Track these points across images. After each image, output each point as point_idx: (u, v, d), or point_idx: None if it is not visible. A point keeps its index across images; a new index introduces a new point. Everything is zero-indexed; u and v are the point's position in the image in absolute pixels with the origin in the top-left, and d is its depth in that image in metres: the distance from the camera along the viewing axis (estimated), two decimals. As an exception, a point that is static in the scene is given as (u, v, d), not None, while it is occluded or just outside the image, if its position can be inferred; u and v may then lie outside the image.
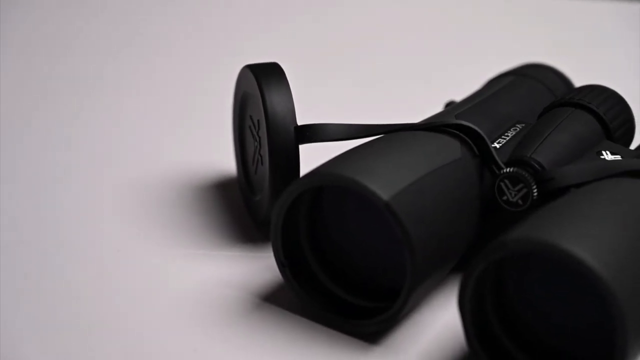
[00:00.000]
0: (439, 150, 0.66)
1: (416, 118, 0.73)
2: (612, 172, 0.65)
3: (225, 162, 0.84)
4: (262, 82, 0.70)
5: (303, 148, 0.69)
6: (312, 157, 0.67)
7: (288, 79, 0.70)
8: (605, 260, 0.54)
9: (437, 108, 0.80)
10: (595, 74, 0.86)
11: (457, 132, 0.68)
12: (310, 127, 0.69)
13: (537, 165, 0.67)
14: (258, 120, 0.71)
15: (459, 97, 0.82)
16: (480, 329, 0.60)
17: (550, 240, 0.55)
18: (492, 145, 0.70)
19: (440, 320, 0.66)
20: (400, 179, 0.61)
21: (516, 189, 0.66)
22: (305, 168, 0.65)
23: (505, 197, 0.67)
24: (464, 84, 0.89)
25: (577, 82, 0.83)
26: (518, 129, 0.73)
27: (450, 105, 0.80)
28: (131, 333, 0.65)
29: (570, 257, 0.54)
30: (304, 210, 0.65)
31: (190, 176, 0.84)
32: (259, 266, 0.71)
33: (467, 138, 0.68)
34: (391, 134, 0.68)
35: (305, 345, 0.64)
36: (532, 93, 0.81)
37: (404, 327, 0.65)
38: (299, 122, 0.69)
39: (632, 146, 0.78)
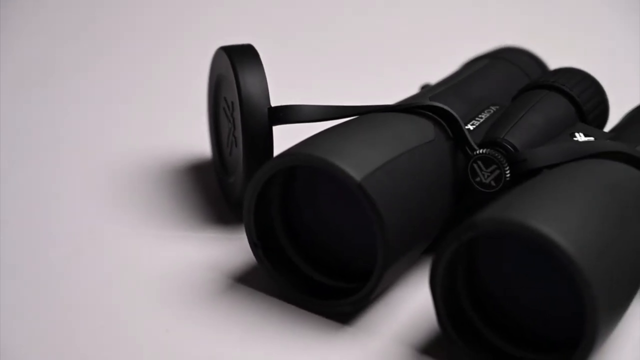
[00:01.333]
0: (413, 131, 0.66)
1: (391, 100, 0.74)
2: (585, 153, 0.65)
3: (200, 144, 0.84)
4: (235, 63, 0.70)
5: (277, 129, 0.69)
6: (287, 138, 0.67)
7: (262, 60, 0.70)
8: (575, 239, 0.54)
9: (413, 90, 0.80)
10: (570, 58, 0.86)
11: (431, 114, 0.68)
12: (284, 109, 0.69)
13: (509, 147, 0.67)
14: (232, 102, 0.71)
15: (434, 80, 0.82)
16: (452, 308, 0.60)
17: (519, 219, 0.55)
18: (466, 127, 0.70)
19: (413, 300, 0.66)
20: (372, 160, 0.61)
21: (489, 170, 0.66)
22: (279, 149, 0.65)
23: (478, 179, 0.67)
24: (440, 67, 0.89)
25: (552, 66, 0.83)
26: (492, 111, 0.73)
27: (425, 87, 0.80)
28: (104, 314, 0.64)
29: (540, 237, 0.54)
30: (277, 191, 0.65)
31: (165, 158, 0.84)
32: (233, 247, 0.71)
33: (440, 120, 0.68)
34: (365, 115, 0.68)
35: (278, 326, 0.64)
36: (506, 76, 0.81)
37: (377, 308, 0.66)
38: (273, 104, 0.69)
39: (606, 128, 0.78)
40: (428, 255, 0.66)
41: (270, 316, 0.64)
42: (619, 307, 0.58)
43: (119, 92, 0.99)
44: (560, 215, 0.56)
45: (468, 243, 0.59)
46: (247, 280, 0.68)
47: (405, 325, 0.64)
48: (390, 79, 1.02)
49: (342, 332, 0.63)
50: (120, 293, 0.67)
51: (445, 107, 0.68)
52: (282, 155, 0.62)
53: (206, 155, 0.83)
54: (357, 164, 0.60)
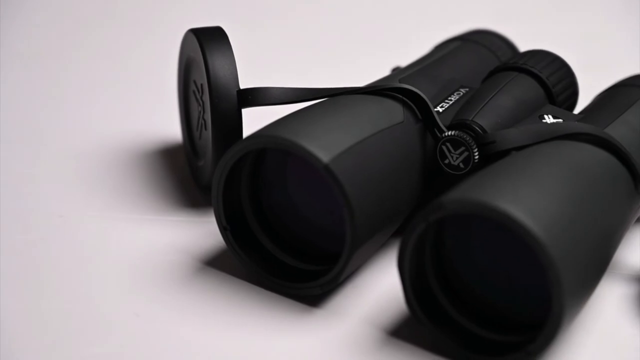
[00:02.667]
0: (381, 113, 0.66)
1: (362, 83, 0.73)
2: (553, 135, 0.66)
3: (171, 127, 0.84)
4: (204, 45, 0.70)
5: (246, 112, 0.69)
6: (256, 121, 0.67)
7: (232, 43, 0.70)
8: (541, 220, 0.54)
9: (384, 73, 0.80)
10: (543, 41, 0.86)
11: (400, 96, 0.68)
12: (253, 91, 0.69)
13: (478, 129, 0.67)
14: (202, 85, 0.71)
15: (405, 63, 0.82)
16: (420, 290, 0.60)
17: (486, 200, 0.55)
18: (435, 109, 0.70)
19: (382, 282, 0.66)
20: (341, 142, 0.61)
21: (458, 152, 0.66)
22: (248, 132, 0.65)
23: (447, 161, 0.67)
24: (411, 50, 0.89)
25: (524, 49, 0.83)
26: (462, 93, 0.73)
27: (396, 70, 0.80)
28: (73, 297, 0.64)
29: (506, 217, 0.54)
30: (245, 174, 0.65)
31: (135, 142, 0.84)
32: (203, 231, 0.71)
33: (409, 102, 0.68)
34: (334, 97, 0.68)
35: (248, 309, 0.64)
36: (477, 58, 0.81)
37: (346, 290, 0.66)
38: (243, 86, 0.69)
39: (576, 111, 0.78)
40: (398, 237, 0.66)
41: (239, 299, 0.64)
42: (586, 288, 0.58)
43: (89, 76, 0.99)
44: (526, 196, 0.56)
45: (435, 224, 0.59)
46: (216, 264, 0.67)
47: (374, 308, 0.64)
48: (361, 62, 1.02)
49: (311, 315, 0.63)
50: (89, 277, 0.66)
51: (414, 89, 0.67)
52: (250, 137, 0.62)
53: (177, 139, 0.83)
54: (324, 145, 0.60)
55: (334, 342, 0.61)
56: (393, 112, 0.67)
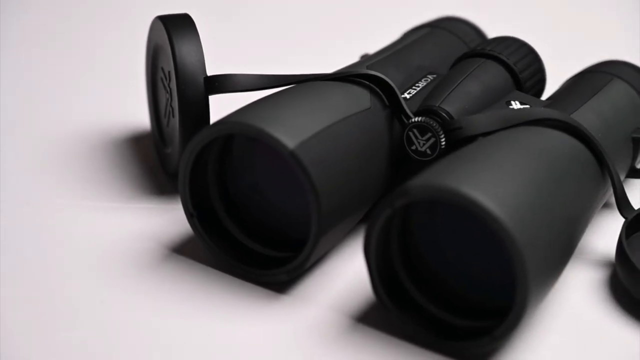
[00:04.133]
0: (348, 100, 0.66)
1: (331, 70, 0.73)
2: (520, 120, 0.66)
3: (139, 115, 0.83)
4: (171, 32, 0.69)
5: (213, 99, 0.69)
6: (223, 108, 0.67)
7: (199, 30, 0.70)
8: (506, 205, 0.54)
9: (353, 60, 0.79)
10: (514, 28, 0.86)
11: (367, 83, 0.68)
12: (219, 78, 0.69)
13: (445, 115, 0.67)
14: (169, 72, 0.71)
15: (375, 50, 0.82)
16: (386, 276, 0.60)
17: (451, 186, 0.55)
18: (403, 96, 0.70)
19: (350, 269, 0.66)
20: (306, 128, 0.61)
21: (424, 138, 0.67)
22: (215, 119, 0.65)
23: (414, 147, 0.67)
24: (381, 37, 0.89)
25: (493, 36, 0.83)
26: (429, 80, 0.73)
27: (364, 57, 0.80)
28: (39, 285, 0.64)
29: (471, 202, 0.54)
30: (212, 161, 0.65)
31: (104, 130, 0.84)
32: (170, 218, 0.71)
33: (377, 88, 0.68)
34: (301, 84, 0.68)
35: (215, 296, 0.64)
36: (445, 45, 0.81)
37: (314, 276, 0.66)
38: (210, 73, 0.69)
39: (544, 97, 0.78)
40: (365, 223, 0.66)
41: (206, 286, 0.64)
42: (551, 273, 0.58)
43: (57, 64, 0.98)
44: (492, 182, 0.56)
45: (401, 210, 0.59)
46: (184, 251, 0.67)
47: (341, 294, 0.64)
48: (331, 49, 1.02)
49: (278, 301, 0.63)
50: (56, 264, 0.66)
51: (381, 75, 0.67)
52: (216, 123, 0.62)
53: (145, 127, 0.83)
54: (290, 132, 0.60)
55: (301, 328, 0.61)
56: (360, 98, 0.67)
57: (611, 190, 0.68)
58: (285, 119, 0.61)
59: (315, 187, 0.59)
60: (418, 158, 0.67)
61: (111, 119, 0.85)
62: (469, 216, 0.55)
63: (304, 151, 0.59)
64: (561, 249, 0.60)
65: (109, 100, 0.90)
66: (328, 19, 1.14)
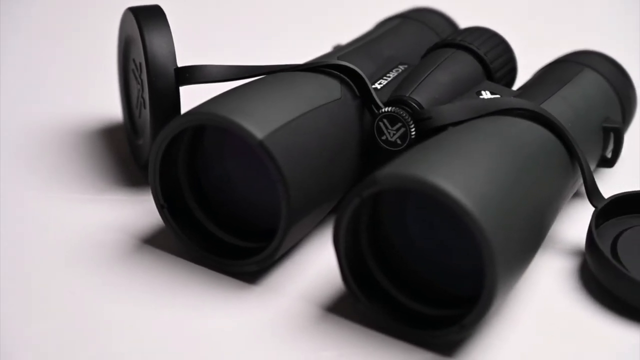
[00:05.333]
0: (318, 90, 0.66)
1: (303, 61, 0.73)
2: (489, 110, 0.66)
3: (112, 107, 0.83)
4: (142, 24, 0.69)
5: (185, 90, 0.69)
6: (195, 99, 0.67)
7: (170, 21, 0.70)
8: (474, 193, 0.55)
9: (325, 51, 0.79)
10: (488, 19, 0.87)
11: (338, 73, 0.68)
12: (190, 69, 0.68)
13: (415, 105, 0.67)
14: (140, 63, 0.71)
15: (347, 41, 0.82)
16: (356, 266, 0.60)
17: (419, 175, 0.55)
18: (373, 86, 0.70)
19: (320, 259, 0.66)
20: (276, 119, 0.61)
21: (394, 128, 0.67)
22: (186, 110, 0.65)
23: (384, 137, 0.67)
24: (354, 28, 0.89)
25: (466, 26, 0.83)
26: (400, 70, 0.73)
27: (337, 48, 0.80)
28: (9, 276, 0.64)
29: (439, 192, 0.54)
30: (183, 151, 0.65)
31: (76, 121, 0.84)
32: (142, 209, 0.71)
33: (347, 79, 0.68)
34: (271, 75, 0.68)
35: (185, 286, 0.64)
36: (417, 35, 0.81)
37: (284, 267, 0.66)
38: (180, 64, 0.69)
39: (516, 87, 0.78)
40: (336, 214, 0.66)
41: (177, 277, 0.64)
42: (520, 261, 0.58)
43: (29, 55, 0.98)
44: (459, 170, 0.56)
45: (370, 200, 0.59)
46: (155, 242, 0.67)
47: (311, 284, 0.64)
48: (303, 40, 1.02)
49: (248, 292, 0.63)
50: (27, 255, 0.66)
51: (351, 65, 0.68)
52: (186, 114, 0.62)
53: (117, 118, 0.82)
54: (259, 122, 0.60)
55: (271, 318, 0.61)
56: (330, 88, 0.67)
57: (581, 180, 0.68)
58: (254, 109, 0.61)
59: (284, 178, 0.59)
60: (388, 148, 0.67)
61: (83, 111, 0.85)
62: (438, 205, 0.55)
63: (273, 141, 0.59)
64: (530, 238, 0.60)
65: (82, 91, 0.90)
66: (301, 10, 1.13)
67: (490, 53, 0.74)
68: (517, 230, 0.57)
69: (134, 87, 0.74)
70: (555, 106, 0.69)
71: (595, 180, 0.69)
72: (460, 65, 0.72)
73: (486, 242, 0.54)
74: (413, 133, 0.66)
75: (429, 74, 0.69)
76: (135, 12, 0.71)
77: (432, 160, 0.57)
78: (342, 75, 0.68)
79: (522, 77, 0.82)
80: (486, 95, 0.70)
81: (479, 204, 0.54)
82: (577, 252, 0.68)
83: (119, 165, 0.77)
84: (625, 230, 0.66)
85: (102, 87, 0.86)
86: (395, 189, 0.58)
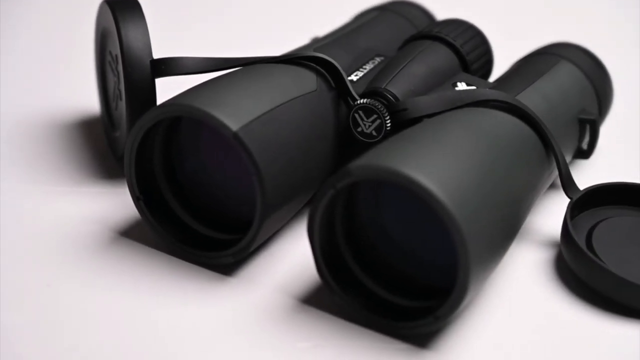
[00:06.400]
0: (294, 82, 0.66)
1: (280, 53, 0.73)
2: (465, 102, 0.66)
3: (89, 99, 0.83)
4: (118, 16, 0.69)
5: (161, 82, 0.69)
6: (172, 91, 0.67)
7: (146, 13, 0.70)
8: (447, 184, 0.55)
9: (303, 43, 0.79)
10: (463, 10, 0.87)
11: (314, 65, 0.68)
12: (166, 61, 0.68)
13: (390, 97, 0.67)
14: (116, 55, 0.71)
15: (325, 33, 0.82)
16: (331, 257, 0.60)
17: (392, 166, 0.55)
18: (350, 78, 0.70)
19: (296, 251, 0.66)
20: (251, 110, 0.61)
21: (370, 120, 0.67)
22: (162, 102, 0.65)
23: (360, 129, 0.67)
24: (331, 20, 0.89)
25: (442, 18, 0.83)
26: (377, 62, 0.74)
27: (314, 40, 0.80)
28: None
29: (411, 182, 0.54)
30: (158, 143, 0.65)
31: (53, 114, 0.83)
32: (118, 202, 0.70)
33: (323, 71, 0.68)
34: (247, 66, 0.68)
35: (161, 278, 0.64)
36: (394, 27, 0.81)
37: (259, 259, 0.66)
38: (156, 56, 0.69)
39: (493, 79, 0.79)
40: (312, 206, 0.67)
41: (153, 269, 0.64)
42: (494, 252, 0.58)
43: (5, 47, 0.97)
44: (432, 162, 0.56)
45: (345, 191, 0.59)
46: (131, 234, 0.67)
47: (287, 276, 0.64)
48: (281, 33, 1.02)
49: (224, 283, 0.63)
50: (2, 247, 0.66)
51: (327, 57, 0.68)
52: (160, 106, 0.62)
53: (95, 111, 0.82)
54: (234, 114, 0.60)
55: (247, 310, 0.61)
56: (306, 80, 0.67)
57: (557, 171, 0.68)
58: (229, 101, 0.61)
59: (259, 169, 0.59)
60: (364, 140, 0.67)
61: (61, 103, 0.85)
62: (412, 197, 0.56)
63: (248, 133, 0.59)
64: (504, 229, 0.60)
65: (59, 84, 0.90)
66: (279, 2, 1.13)
67: (466, 45, 0.74)
68: (491, 222, 0.57)
69: (111, 80, 0.74)
70: (530, 98, 0.69)
71: (571, 171, 0.69)
72: (436, 57, 0.72)
73: (459, 233, 0.54)
74: (388, 125, 0.66)
75: (404, 66, 0.70)
76: (111, 4, 0.71)
77: (406, 152, 0.57)
78: (318, 67, 0.68)
79: (500, 69, 0.82)
80: (462, 86, 0.70)
81: (452, 195, 0.54)
82: (552, 244, 0.69)
83: (96, 158, 0.77)
84: (601, 221, 0.67)
85: (80, 80, 0.86)
86: (369, 180, 0.58)
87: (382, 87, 0.67)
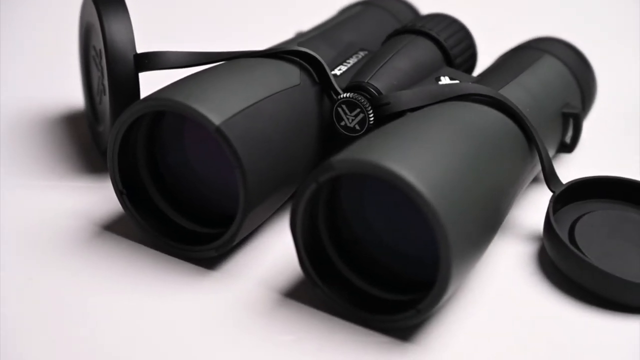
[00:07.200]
0: (277, 76, 0.66)
1: (265, 47, 0.73)
2: (448, 96, 0.66)
3: (73, 94, 0.83)
4: (101, 10, 0.69)
5: (145, 77, 0.69)
6: (155, 85, 0.67)
7: (129, 7, 0.70)
8: (429, 178, 0.55)
9: (288, 37, 0.80)
10: (447, 5, 0.87)
11: (297, 59, 0.68)
12: (150, 55, 0.68)
13: (373, 91, 0.67)
14: (100, 50, 0.71)
15: (309, 27, 0.82)
16: (314, 251, 0.60)
17: (373, 160, 0.55)
18: (333, 72, 0.70)
19: (279, 245, 0.66)
20: (233, 105, 0.61)
21: (353, 114, 0.67)
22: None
23: (343, 123, 0.68)
24: (316, 15, 0.89)
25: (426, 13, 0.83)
26: (361, 56, 0.74)
27: (298, 34, 0.80)
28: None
29: (392, 175, 0.54)
30: (142, 138, 0.65)
31: (37, 108, 0.83)
32: (102, 196, 0.70)
33: (307, 65, 0.68)
34: (230, 61, 0.68)
35: (144, 272, 0.64)
36: (378, 22, 0.81)
37: (243, 253, 0.66)
38: (140, 51, 0.69)
39: (477, 73, 0.79)
40: (295, 200, 0.67)
41: (136, 263, 0.64)
42: (476, 246, 0.58)
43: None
44: (414, 155, 0.57)
45: (327, 185, 0.59)
46: (115, 228, 0.67)
47: (270, 269, 0.64)
48: (265, 27, 1.02)
49: (207, 277, 0.64)
50: (-16, 242, 0.66)
51: (310, 51, 0.68)
52: (143, 100, 0.62)
53: (79, 105, 0.82)
54: (216, 108, 0.60)
55: (230, 303, 0.61)
56: (289, 74, 0.67)
57: (540, 165, 0.68)
58: (212, 95, 0.61)
59: (241, 163, 0.59)
60: (347, 134, 0.68)
61: (45, 97, 0.85)
62: (394, 190, 0.56)
63: (230, 127, 0.59)
64: (486, 223, 0.60)
65: (43, 78, 0.90)
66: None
67: (450, 39, 0.74)
68: (473, 215, 0.58)
69: (95, 74, 0.74)
70: (513, 92, 0.69)
71: (555, 165, 0.69)
72: (419, 51, 0.72)
73: (440, 226, 0.54)
74: (371, 119, 0.66)
75: (388, 60, 0.70)
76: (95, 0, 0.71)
77: (388, 146, 0.57)
78: (301, 61, 0.68)
79: (484, 63, 0.82)
80: (445, 81, 0.70)
81: (433, 188, 0.54)
82: (535, 237, 0.69)
83: (80, 152, 0.77)
84: (583, 215, 0.67)
85: (64, 74, 0.86)
86: (351, 174, 0.58)
87: (365, 81, 0.67)
